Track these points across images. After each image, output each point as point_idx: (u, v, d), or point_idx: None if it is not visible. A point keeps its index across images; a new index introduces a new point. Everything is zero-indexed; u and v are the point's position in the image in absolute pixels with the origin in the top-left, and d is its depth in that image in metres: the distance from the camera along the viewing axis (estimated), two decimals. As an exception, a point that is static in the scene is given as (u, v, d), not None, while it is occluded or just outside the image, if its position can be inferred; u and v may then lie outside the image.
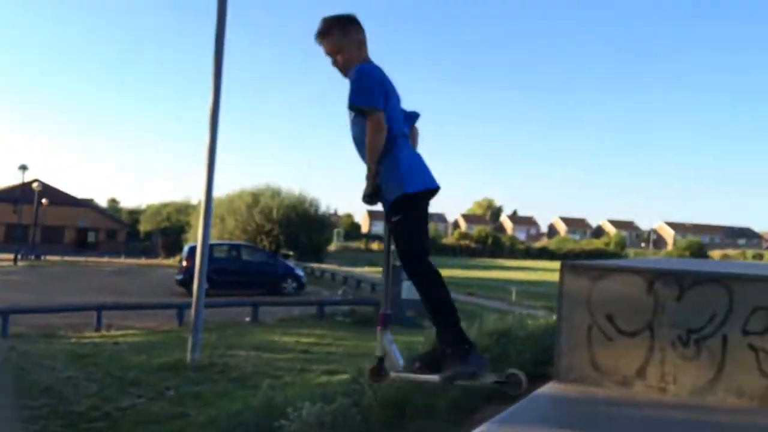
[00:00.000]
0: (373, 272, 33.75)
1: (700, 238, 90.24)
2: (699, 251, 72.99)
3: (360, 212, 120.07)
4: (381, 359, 3.31)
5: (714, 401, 3.88)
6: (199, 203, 10.47)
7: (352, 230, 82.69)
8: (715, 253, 75.05)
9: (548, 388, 4.10)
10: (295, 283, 23.22)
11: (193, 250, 19.45)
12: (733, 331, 3.88)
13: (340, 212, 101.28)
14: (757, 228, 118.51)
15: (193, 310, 10.27)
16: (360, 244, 67.65)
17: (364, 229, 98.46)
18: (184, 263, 20.60)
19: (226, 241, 30.62)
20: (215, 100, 10.09)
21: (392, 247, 3.38)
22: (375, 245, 66.24)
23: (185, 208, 49.35)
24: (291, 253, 37.15)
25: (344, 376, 7.79)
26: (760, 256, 75.22)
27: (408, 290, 16.91)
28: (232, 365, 9.86)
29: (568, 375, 4.21)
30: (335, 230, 61.15)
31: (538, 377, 4.65)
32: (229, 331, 13.78)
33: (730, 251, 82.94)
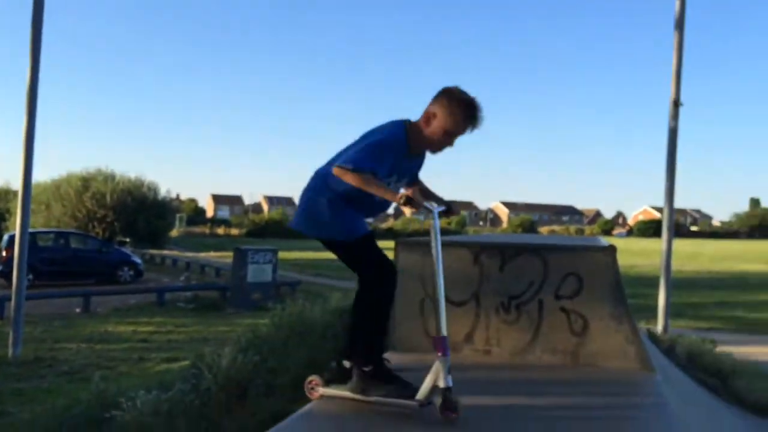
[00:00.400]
0: (217, 257, 32.87)
1: (531, 216, 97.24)
2: (530, 228, 78.94)
3: (204, 197, 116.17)
4: (449, 390, 2.99)
5: (532, 359, 4.24)
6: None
7: (196, 215, 79.74)
8: (544, 229, 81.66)
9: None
10: (132, 271, 22.01)
11: (12, 238, 17.85)
12: (548, 296, 4.26)
13: (183, 197, 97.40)
14: (579, 206, 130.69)
15: (13, 303, 9.42)
16: (204, 229, 65.37)
17: (209, 213, 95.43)
18: (4, 253, 18.79)
19: (53, 229, 28.27)
20: (33, 79, 9.23)
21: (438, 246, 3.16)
22: (221, 230, 64.45)
23: (4, 194, 44.90)
24: (127, 239, 35.03)
25: (185, 363, 7.55)
26: (582, 231, 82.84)
27: (253, 273, 16.71)
28: (61, 359, 9.19)
29: (403, 344, 4.40)
30: (177, 215, 58.62)
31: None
32: (57, 323, 12.82)
33: (556, 227, 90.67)
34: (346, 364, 3.24)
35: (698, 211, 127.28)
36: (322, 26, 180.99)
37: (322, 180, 3.22)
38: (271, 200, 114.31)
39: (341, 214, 3.18)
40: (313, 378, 3.35)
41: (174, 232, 52.82)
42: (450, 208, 3.27)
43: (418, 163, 3.36)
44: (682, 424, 3.19)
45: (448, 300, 4.39)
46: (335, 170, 3.03)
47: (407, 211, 3.06)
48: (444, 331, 3.02)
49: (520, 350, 4.28)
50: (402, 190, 3.28)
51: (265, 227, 61.86)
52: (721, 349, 9.42)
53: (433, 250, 3.10)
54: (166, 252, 35.26)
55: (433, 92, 3.15)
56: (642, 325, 8.54)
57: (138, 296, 17.10)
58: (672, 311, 11.82)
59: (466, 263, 4.45)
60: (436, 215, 3.12)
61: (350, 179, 2.99)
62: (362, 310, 3.23)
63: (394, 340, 4.41)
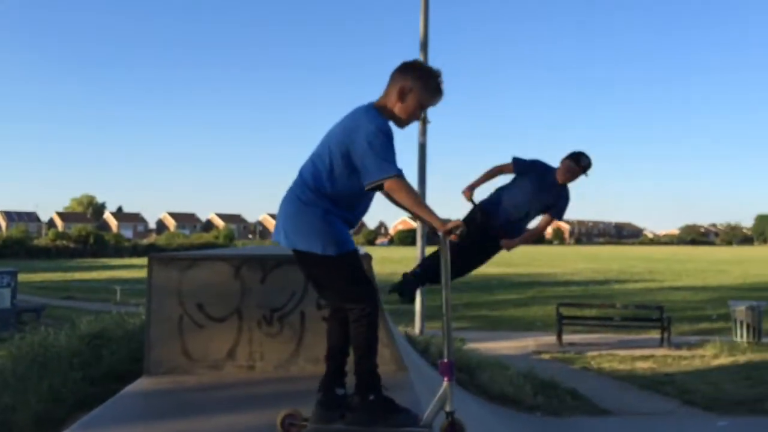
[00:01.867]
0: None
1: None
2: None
3: None
4: (453, 413, 2.84)
5: (296, 371, 4.28)
6: None
7: None
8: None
9: (137, 384, 4.00)
10: None
11: None
12: (309, 306, 4.33)
13: None
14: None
15: None
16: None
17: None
18: None
19: None
20: None
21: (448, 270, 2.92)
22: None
23: None
24: None
25: None
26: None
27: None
28: None
29: (159, 368, 4.16)
30: None
31: (135, 375, 4.50)
32: None
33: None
34: (340, 392, 2.99)
35: (449, 220, 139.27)
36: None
37: (317, 194, 2.99)
38: (10, 215, 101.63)
39: (335, 226, 2.97)
40: (291, 411, 2.99)
41: None
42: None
43: None
44: (433, 418, 3.43)
45: (208, 316, 4.28)
46: (389, 186, 2.87)
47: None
48: (452, 356, 2.95)
49: (284, 362, 4.30)
50: None
51: (3, 247, 54.81)
52: (469, 345, 10.40)
53: (443, 277, 3.02)
54: None
55: None
56: (401, 329, 9.10)
57: None
58: (428, 314, 12.78)
59: (226, 277, 4.35)
60: (447, 242, 3.02)
61: (402, 193, 2.87)
62: (362, 329, 2.97)
63: (149, 363, 4.15)
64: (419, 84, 3.08)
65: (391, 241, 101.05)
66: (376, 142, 2.91)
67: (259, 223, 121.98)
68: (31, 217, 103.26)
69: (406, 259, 42.91)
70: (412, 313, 12.20)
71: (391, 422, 2.96)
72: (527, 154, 5.20)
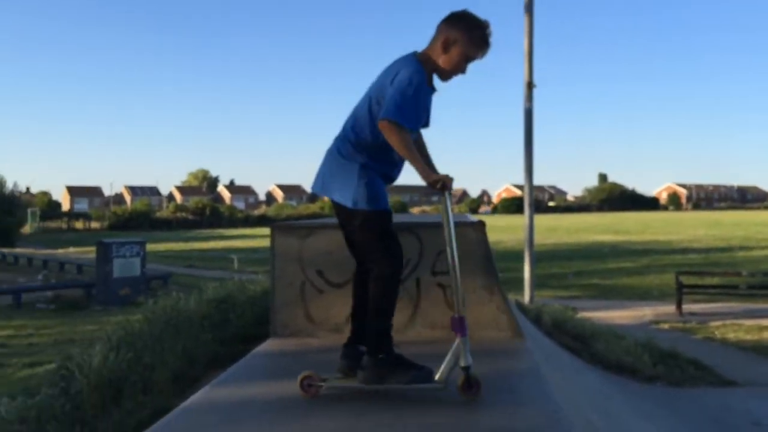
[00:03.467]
0: (78, 253, 30.91)
1: (401, 198, 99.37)
2: (402, 209, 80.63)
3: (58, 189, 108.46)
4: (468, 368, 2.94)
5: (413, 335, 4.37)
6: None
7: (51, 209, 74.25)
8: (415, 210, 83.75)
9: (265, 345, 4.23)
10: (-18, 273, 20.25)
11: None
12: (425, 272, 4.40)
13: (34, 190, 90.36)
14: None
15: None
16: (61, 224, 61.12)
17: (65, 207, 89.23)
18: None
19: None
20: None
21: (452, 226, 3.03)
22: (79, 224, 60.52)
23: None
24: (-28, 239, 32.20)
25: (50, 366, 7.08)
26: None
27: (120, 268, 15.89)
28: None
29: (285, 330, 4.38)
30: (29, 210, 54.34)
31: (259, 337, 4.76)
32: None
33: (427, 207, 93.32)
34: (362, 349, 3.10)
35: (554, 187, 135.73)
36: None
37: (354, 147, 3.08)
38: (134, 190, 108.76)
39: (372, 181, 3.05)
40: (309, 373, 3.14)
41: (26, 229, 49.07)
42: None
43: (432, 96, 3.24)
44: (552, 384, 3.42)
45: (327, 282, 4.44)
46: (381, 124, 2.90)
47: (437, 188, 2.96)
48: (463, 311, 2.99)
49: (402, 327, 4.39)
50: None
51: (129, 219, 58.94)
52: (581, 315, 10.19)
53: (446, 231, 3.04)
54: (18, 250, 32.68)
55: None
56: (510, 297, 9.06)
57: (-10, 299, 15.75)
58: (536, 282, 12.62)
59: (342, 245, 4.46)
60: (448, 196, 3.07)
61: (393, 137, 2.88)
62: (379, 289, 3.06)
63: (276, 325, 4.38)
64: (464, 35, 3.00)
65: (495, 210, 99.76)
66: (400, 87, 2.91)
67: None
68: (153, 191, 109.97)
69: (510, 228, 42.37)
70: (521, 281, 12.07)
71: (403, 379, 2.99)
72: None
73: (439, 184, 2.93)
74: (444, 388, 2.96)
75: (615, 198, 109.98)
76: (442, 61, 3.05)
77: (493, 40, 3.07)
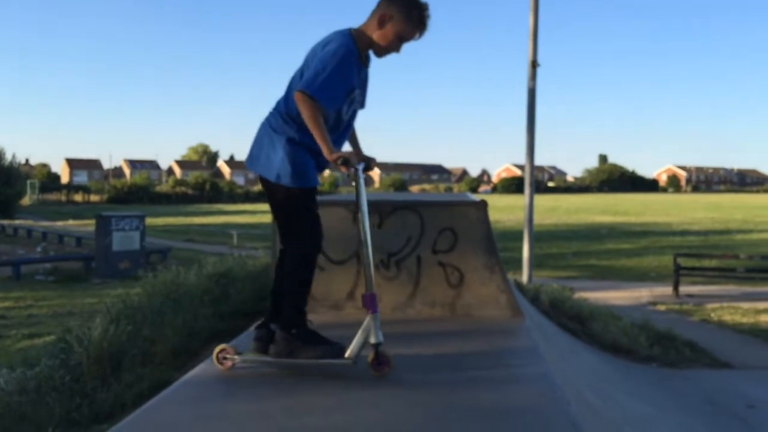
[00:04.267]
0: (77, 225, 30.93)
1: (401, 175, 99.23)
2: (401, 187, 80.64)
3: (57, 161, 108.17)
4: (380, 344, 2.99)
5: (413, 314, 4.39)
6: None
7: (50, 181, 74.11)
8: (415, 188, 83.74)
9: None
10: (-19, 244, 20.25)
11: None
12: (425, 250, 4.40)
13: (33, 162, 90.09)
14: (446, 165, 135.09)
15: None
16: (60, 196, 61.04)
17: (64, 179, 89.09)
18: None
19: None
20: None
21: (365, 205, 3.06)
22: (79, 197, 60.45)
23: None
24: (-28, 210, 32.16)
25: (50, 338, 7.12)
26: (450, 189, 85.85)
27: (119, 241, 15.90)
28: None
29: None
30: (28, 182, 54.25)
31: (259, 313, 4.77)
32: None
33: (427, 186, 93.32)
34: (273, 327, 3.11)
35: (554, 168, 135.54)
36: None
37: (284, 120, 3.05)
38: (134, 164, 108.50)
39: (298, 157, 2.99)
40: (225, 346, 3.20)
41: (26, 201, 49.03)
42: (368, 163, 3.26)
43: (367, 72, 3.22)
44: (550, 363, 3.44)
45: (328, 259, 4.44)
46: (296, 95, 2.86)
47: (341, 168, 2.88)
48: (373, 288, 3.02)
49: (401, 305, 4.41)
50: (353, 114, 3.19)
51: (128, 193, 58.83)
52: (579, 295, 10.22)
53: (360, 210, 3.06)
54: (18, 222, 32.67)
55: None
56: (509, 276, 9.08)
57: (-12, 271, 15.77)
58: (535, 262, 12.64)
59: (344, 222, 4.48)
60: (361, 174, 3.07)
61: (304, 110, 2.84)
62: (295, 266, 3.08)
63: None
64: (402, 13, 2.99)
65: (494, 189, 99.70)
66: (324, 59, 2.90)
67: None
68: (152, 165, 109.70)
69: (510, 207, 42.38)
70: (519, 260, 12.10)
71: (313, 354, 3.02)
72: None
73: (340, 161, 2.88)
74: (353, 364, 2.99)
75: (615, 179, 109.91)
76: (376, 36, 3.04)
77: (430, 23, 3.07)
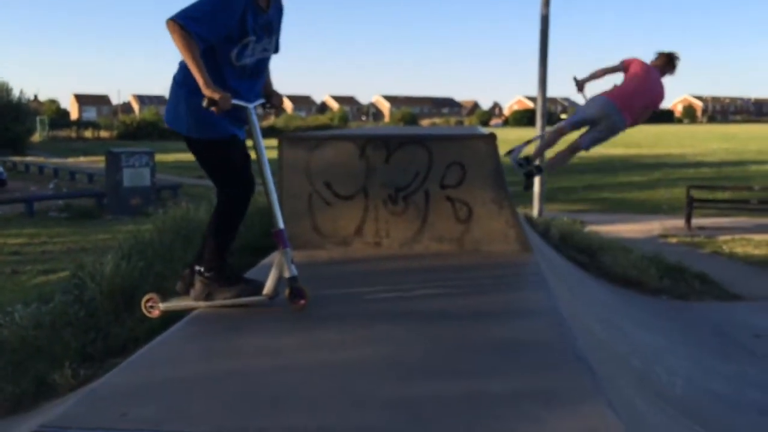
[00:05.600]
0: (88, 162, 31.00)
1: (412, 109, 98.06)
2: (412, 121, 79.82)
3: (66, 97, 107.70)
4: (295, 279, 3.04)
5: (420, 249, 4.37)
6: None
7: (59, 118, 73.93)
8: (425, 122, 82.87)
9: (273, 257, 4.24)
10: (-7, 181, 20.40)
11: None
12: (433, 185, 4.35)
13: (42, 98, 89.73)
14: (457, 98, 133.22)
15: None
16: (70, 133, 60.95)
17: (73, 115, 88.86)
18: None
19: None
20: None
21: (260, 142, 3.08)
22: (88, 133, 60.36)
23: None
24: (-16, 147, 32.27)
25: (64, 274, 7.22)
26: (461, 123, 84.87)
27: (130, 178, 15.94)
28: (-76, 277, 8.53)
29: (292, 242, 4.37)
30: (38, 118, 54.13)
31: (268, 248, 4.78)
32: None
33: (437, 119, 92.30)
34: (197, 268, 3.17)
35: (567, 99, 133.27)
36: None
37: (182, 69, 2.97)
38: (142, 99, 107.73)
39: (199, 108, 2.86)
40: (151, 296, 3.28)
41: (36, 137, 49.08)
42: (270, 100, 3.25)
43: (278, 16, 3.14)
44: (558, 297, 3.44)
45: (335, 194, 4.41)
46: (167, 23, 2.76)
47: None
48: (281, 224, 3.06)
49: (409, 240, 4.39)
50: (268, 54, 3.14)
51: (138, 129, 58.59)
52: (589, 228, 10.21)
53: (255, 147, 3.09)
54: (29, 159, 32.80)
55: None
56: (520, 210, 9.04)
57: (4, 207, 15.93)
58: (546, 196, 12.57)
59: (351, 157, 4.42)
60: (253, 111, 3.08)
61: (176, 39, 2.75)
62: (215, 212, 3.17)
63: (284, 237, 4.38)
64: None
65: (506, 122, 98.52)
66: None
67: (372, 104, 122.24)
68: (161, 100, 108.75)
69: (521, 140, 41.74)
70: (530, 195, 12.03)
71: (229, 294, 3.10)
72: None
73: (206, 102, 2.79)
74: (269, 301, 3.08)
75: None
76: None
77: None
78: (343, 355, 2.58)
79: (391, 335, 2.79)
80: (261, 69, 3.14)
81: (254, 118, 3.07)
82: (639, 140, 43.22)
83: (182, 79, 2.99)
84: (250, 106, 3.04)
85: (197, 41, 2.79)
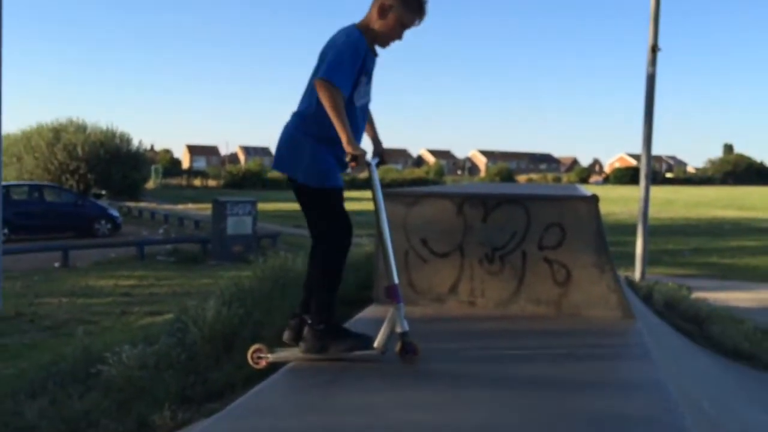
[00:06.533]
0: (196, 209, 32.64)
1: (508, 165, 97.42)
2: (508, 176, 79.12)
3: (178, 147, 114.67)
4: (406, 334, 3.11)
5: (516, 310, 4.29)
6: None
7: (172, 166, 78.64)
8: (522, 177, 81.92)
9: (368, 311, 4.29)
10: (110, 224, 21.77)
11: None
12: (531, 246, 4.28)
13: (157, 147, 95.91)
14: (556, 154, 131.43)
15: (-10, 258, 9.30)
16: (181, 181, 64.64)
17: (185, 164, 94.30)
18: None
19: (26, 182, 27.79)
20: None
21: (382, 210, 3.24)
22: (198, 181, 63.76)
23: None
24: (103, 192, 34.63)
25: (168, 316, 7.56)
26: (559, 179, 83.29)
27: (233, 225, 16.63)
28: (42, 314, 9.14)
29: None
30: (153, 167, 57.82)
31: (362, 301, 4.83)
32: (37, 278, 12.71)
33: (534, 175, 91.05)
34: (308, 319, 3.20)
35: (673, 158, 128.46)
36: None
37: (304, 119, 3.14)
38: (248, 150, 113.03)
39: (323, 159, 3.09)
40: (258, 346, 3.33)
41: (150, 184, 52.23)
42: (383, 158, 3.38)
43: (374, 63, 3.29)
44: (663, 369, 3.26)
45: (432, 251, 4.42)
46: (316, 82, 2.95)
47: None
48: (395, 279, 3.10)
49: (505, 301, 4.33)
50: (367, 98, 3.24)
51: (243, 178, 61.33)
52: (696, 295, 9.64)
53: (375, 202, 3.17)
54: (143, 204, 34.91)
55: None
56: (620, 273, 8.70)
57: (117, 250, 16.96)
58: (649, 258, 12.03)
59: (449, 214, 4.44)
60: (374, 168, 3.18)
61: (325, 97, 2.92)
62: (321, 264, 3.21)
63: (379, 292, 4.42)
64: (401, 3, 3.06)
65: (607, 179, 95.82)
66: (338, 48, 2.97)
67: (468, 159, 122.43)
68: (266, 151, 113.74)
69: (623, 199, 40.57)
70: (631, 256, 11.57)
71: (343, 348, 3.11)
72: None
73: (348, 157, 2.95)
74: (381, 355, 3.07)
75: (741, 171, 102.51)
76: (378, 26, 3.11)
77: (428, 8, 3.14)
78: (437, 416, 2.55)
79: (484, 400, 2.73)
80: (365, 113, 3.30)
81: (375, 174, 3.18)
82: (753, 202, 40.91)
83: (301, 127, 3.14)
84: (373, 162, 3.20)
85: (345, 92, 2.98)
